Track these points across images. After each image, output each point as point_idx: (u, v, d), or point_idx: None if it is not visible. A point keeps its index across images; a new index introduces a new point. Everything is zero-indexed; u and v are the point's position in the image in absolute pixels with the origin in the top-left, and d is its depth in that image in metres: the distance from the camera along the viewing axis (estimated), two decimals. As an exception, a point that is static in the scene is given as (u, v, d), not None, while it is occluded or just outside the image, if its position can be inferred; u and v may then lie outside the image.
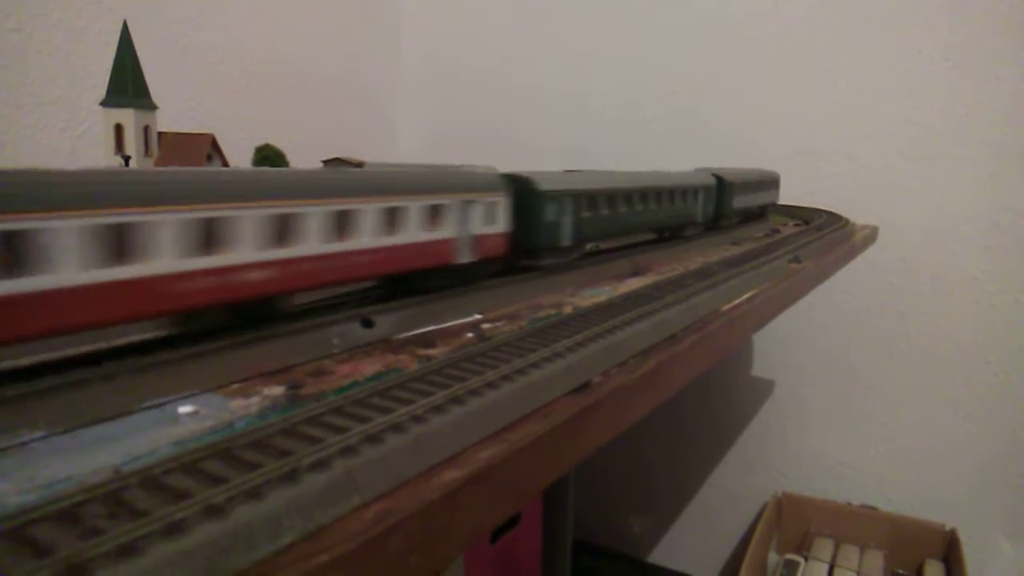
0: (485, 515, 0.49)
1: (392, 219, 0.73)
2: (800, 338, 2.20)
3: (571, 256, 1.07)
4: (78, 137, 1.72)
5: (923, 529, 1.99)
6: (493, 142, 2.55)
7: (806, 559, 1.95)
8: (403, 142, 2.79)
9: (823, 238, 1.51)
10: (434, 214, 0.79)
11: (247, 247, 0.60)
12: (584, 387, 0.62)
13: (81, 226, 0.48)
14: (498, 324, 0.80)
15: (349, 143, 2.09)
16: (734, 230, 1.65)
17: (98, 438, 0.47)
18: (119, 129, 1.17)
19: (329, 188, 0.68)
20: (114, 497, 0.36)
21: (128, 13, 1.26)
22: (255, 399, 0.55)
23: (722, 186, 1.53)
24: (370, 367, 0.63)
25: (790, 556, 1.96)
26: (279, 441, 0.43)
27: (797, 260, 1.26)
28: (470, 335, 0.75)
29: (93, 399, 0.50)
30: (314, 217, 0.65)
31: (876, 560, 1.95)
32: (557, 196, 0.98)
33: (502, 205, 0.90)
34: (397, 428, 0.46)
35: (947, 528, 1.97)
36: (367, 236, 0.71)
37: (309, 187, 0.66)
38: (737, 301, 0.98)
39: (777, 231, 1.71)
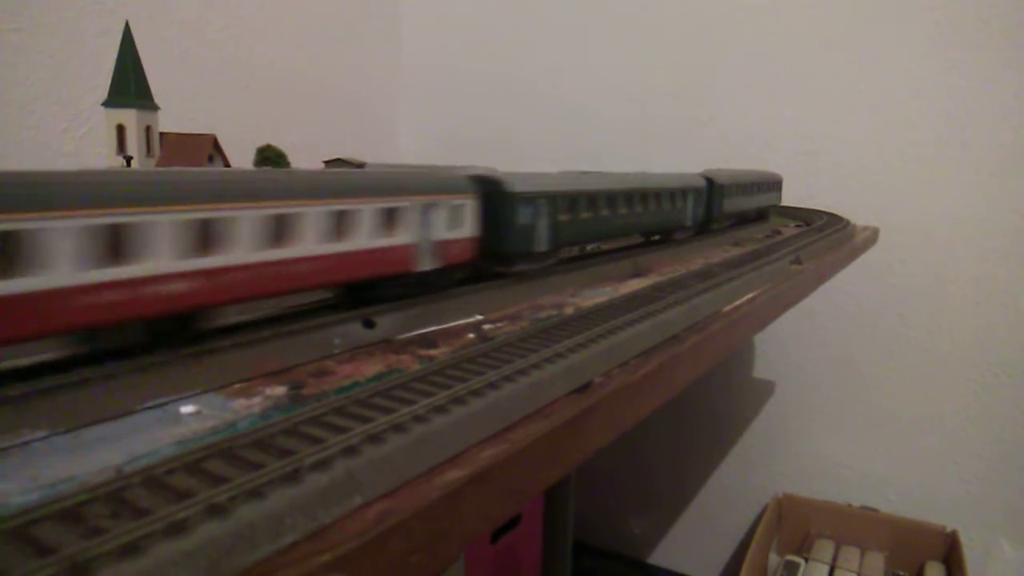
0: (486, 515, 0.49)
1: (340, 224, 0.68)
2: (801, 339, 2.20)
3: (547, 262, 1.00)
4: (80, 138, 1.73)
5: (924, 531, 1.99)
6: (496, 145, 2.55)
7: (806, 560, 1.94)
8: (405, 145, 2.79)
9: (824, 239, 1.51)
10: (390, 218, 0.74)
11: (163, 257, 0.54)
12: (585, 387, 0.62)
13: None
14: (499, 324, 0.80)
15: (352, 145, 2.09)
16: (735, 231, 1.65)
17: (100, 438, 0.47)
18: (121, 129, 1.18)
19: (264, 190, 0.63)
20: (116, 497, 0.36)
21: (130, 14, 1.26)
22: (257, 399, 0.55)
23: (712, 188, 1.48)
24: (372, 367, 0.64)
25: (791, 557, 1.96)
26: (281, 441, 0.43)
27: (798, 261, 1.26)
28: (471, 335, 0.75)
29: (95, 399, 0.50)
30: (245, 222, 0.60)
31: (877, 562, 1.95)
32: (530, 198, 0.93)
33: (469, 208, 0.85)
34: (398, 428, 0.46)
35: (948, 530, 1.96)
36: (310, 243, 0.66)
37: (240, 189, 0.61)
38: (738, 302, 0.98)
39: (778, 232, 1.71)
